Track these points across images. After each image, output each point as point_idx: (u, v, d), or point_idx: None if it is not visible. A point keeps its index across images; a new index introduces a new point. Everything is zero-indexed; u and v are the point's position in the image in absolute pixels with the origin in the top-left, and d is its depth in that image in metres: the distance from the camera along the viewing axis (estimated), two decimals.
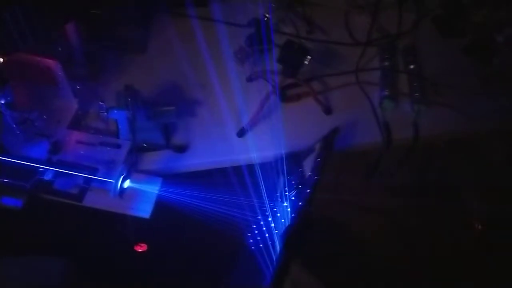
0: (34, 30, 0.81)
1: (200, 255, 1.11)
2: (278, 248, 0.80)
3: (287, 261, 0.69)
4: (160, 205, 0.82)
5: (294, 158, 0.88)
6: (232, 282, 1.07)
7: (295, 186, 0.83)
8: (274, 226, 0.84)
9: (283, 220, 0.83)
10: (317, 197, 0.77)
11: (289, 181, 0.85)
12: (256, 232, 0.88)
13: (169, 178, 0.85)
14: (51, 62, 0.80)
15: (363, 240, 1.32)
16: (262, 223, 0.86)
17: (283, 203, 0.83)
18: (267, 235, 0.85)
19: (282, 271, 0.68)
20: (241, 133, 0.91)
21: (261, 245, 0.86)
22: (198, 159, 0.88)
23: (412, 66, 1.03)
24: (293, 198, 0.82)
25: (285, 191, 0.84)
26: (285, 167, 0.86)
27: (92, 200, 0.79)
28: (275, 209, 0.85)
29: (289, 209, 0.82)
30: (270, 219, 0.85)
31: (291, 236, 0.71)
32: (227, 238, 0.94)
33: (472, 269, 1.21)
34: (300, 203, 0.78)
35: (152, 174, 0.85)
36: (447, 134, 0.99)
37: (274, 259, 0.80)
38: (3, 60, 0.75)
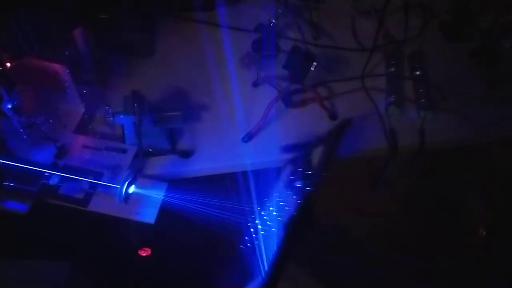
0: (41, 34, 0.82)
1: (204, 260, 1.11)
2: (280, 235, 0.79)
3: (289, 245, 0.68)
4: (165, 210, 0.82)
5: (302, 147, 0.87)
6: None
7: (301, 174, 0.82)
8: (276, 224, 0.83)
9: (286, 208, 0.81)
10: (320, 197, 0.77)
11: (295, 169, 0.84)
12: (255, 236, 0.87)
13: (174, 183, 0.85)
14: (58, 67, 0.80)
15: (364, 245, 1.31)
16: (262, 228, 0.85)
17: (288, 191, 0.82)
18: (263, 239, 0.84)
19: (283, 257, 0.67)
20: (247, 138, 0.91)
21: (259, 249, 0.85)
22: (204, 164, 0.88)
23: (418, 72, 1.03)
24: (298, 185, 0.81)
25: (292, 179, 0.83)
26: (293, 155, 0.86)
27: (98, 205, 0.79)
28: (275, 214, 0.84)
29: (294, 197, 0.81)
30: (270, 223, 0.83)
31: (294, 221, 0.70)
32: (232, 244, 0.94)
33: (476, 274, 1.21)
34: (306, 188, 0.78)
35: (157, 179, 0.85)
36: (453, 140, 0.99)
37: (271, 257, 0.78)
38: (11, 65, 0.75)
